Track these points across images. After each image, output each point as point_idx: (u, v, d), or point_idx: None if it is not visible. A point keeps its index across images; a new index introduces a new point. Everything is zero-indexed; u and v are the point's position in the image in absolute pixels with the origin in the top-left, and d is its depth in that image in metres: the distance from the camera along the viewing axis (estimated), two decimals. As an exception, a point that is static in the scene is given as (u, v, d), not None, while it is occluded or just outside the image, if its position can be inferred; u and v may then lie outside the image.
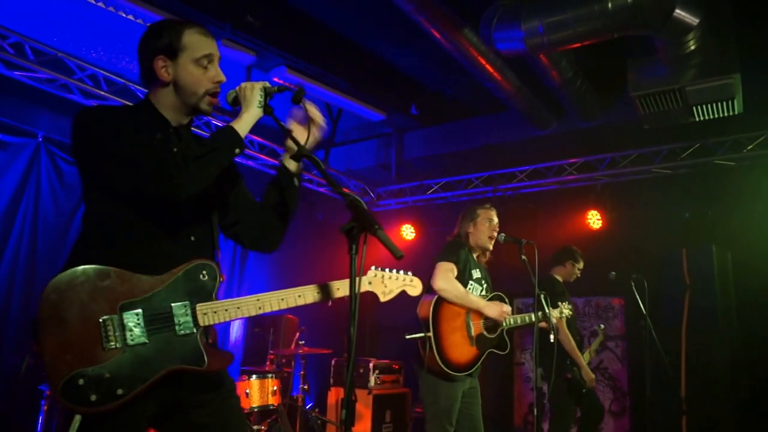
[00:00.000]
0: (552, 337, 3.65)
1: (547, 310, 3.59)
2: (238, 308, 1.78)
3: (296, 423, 5.30)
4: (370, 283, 2.05)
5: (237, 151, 1.76)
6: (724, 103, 4.51)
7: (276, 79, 5.27)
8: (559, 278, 4.65)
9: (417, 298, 2.42)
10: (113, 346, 1.58)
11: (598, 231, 6.15)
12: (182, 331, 1.68)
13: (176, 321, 1.68)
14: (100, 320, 1.59)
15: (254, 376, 4.65)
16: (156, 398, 1.66)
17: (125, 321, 1.61)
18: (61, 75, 4.72)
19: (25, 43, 4.52)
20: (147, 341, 1.63)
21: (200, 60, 1.77)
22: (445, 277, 3.40)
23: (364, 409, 5.69)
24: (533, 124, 5.95)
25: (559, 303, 4.16)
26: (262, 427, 4.58)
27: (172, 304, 1.68)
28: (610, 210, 6.15)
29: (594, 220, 6.20)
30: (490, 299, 3.63)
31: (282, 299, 1.85)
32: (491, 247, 3.67)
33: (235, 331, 6.53)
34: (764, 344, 4.96)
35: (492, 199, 6.55)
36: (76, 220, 5.19)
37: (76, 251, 1.69)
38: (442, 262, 3.46)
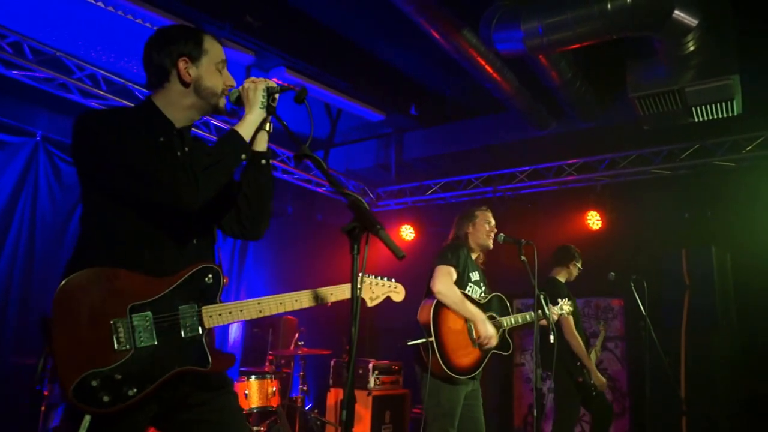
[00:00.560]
0: (552, 337, 3.64)
1: (547, 311, 3.58)
2: (241, 311, 1.85)
3: (295, 424, 5.30)
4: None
5: (243, 157, 1.82)
6: (724, 104, 4.51)
7: (275, 80, 5.26)
8: (561, 279, 4.63)
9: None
10: (124, 348, 1.60)
11: (598, 232, 6.15)
12: (189, 333, 1.72)
13: (183, 323, 1.71)
14: (111, 322, 1.60)
15: (253, 377, 4.65)
16: (159, 398, 1.67)
17: (135, 323, 1.63)
18: (59, 74, 4.69)
19: (23, 43, 4.51)
20: (155, 343, 1.65)
21: (219, 64, 1.89)
22: (444, 281, 3.38)
23: (363, 409, 5.68)
24: (533, 125, 5.95)
25: (559, 300, 4.14)
26: (261, 428, 4.58)
27: (180, 307, 1.71)
28: (610, 211, 6.16)
29: (593, 220, 6.20)
30: (489, 299, 3.64)
31: (281, 303, 1.94)
32: (492, 245, 3.67)
33: (234, 331, 6.50)
34: (764, 344, 4.96)
35: (492, 200, 6.57)
36: (73, 220, 5.19)
37: (81, 252, 1.69)
38: (442, 266, 3.44)
